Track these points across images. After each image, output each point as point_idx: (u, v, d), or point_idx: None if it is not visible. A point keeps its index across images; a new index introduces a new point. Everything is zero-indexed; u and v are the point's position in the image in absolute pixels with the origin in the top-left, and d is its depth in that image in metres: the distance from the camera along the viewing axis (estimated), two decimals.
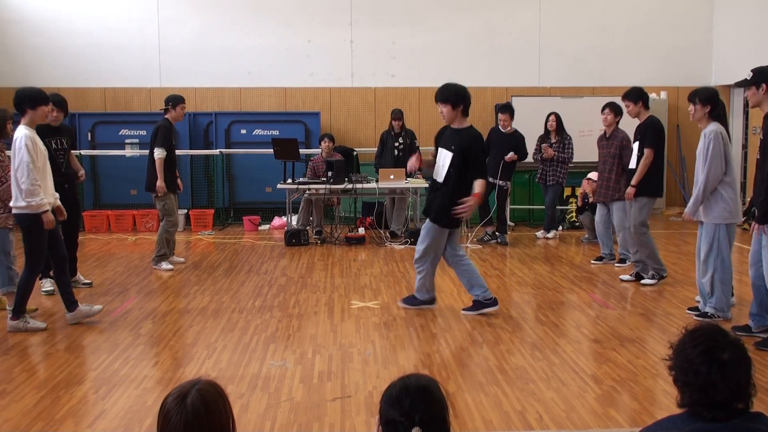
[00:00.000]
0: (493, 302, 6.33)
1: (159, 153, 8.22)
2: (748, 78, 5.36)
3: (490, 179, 9.87)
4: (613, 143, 8.47)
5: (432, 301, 6.55)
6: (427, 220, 6.31)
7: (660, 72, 13.17)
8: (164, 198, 8.34)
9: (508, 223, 11.84)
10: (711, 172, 5.84)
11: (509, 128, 10.03)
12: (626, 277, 7.71)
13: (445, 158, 6.16)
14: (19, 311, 5.90)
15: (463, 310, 6.40)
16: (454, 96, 6.11)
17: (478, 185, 6.07)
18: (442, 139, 6.35)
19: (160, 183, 8.20)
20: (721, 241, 5.89)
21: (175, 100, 8.47)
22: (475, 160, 6.12)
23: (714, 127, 5.91)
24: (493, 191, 10.00)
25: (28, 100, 5.81)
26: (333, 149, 10.76)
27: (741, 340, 2.26)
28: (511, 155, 9.88)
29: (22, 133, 5.74)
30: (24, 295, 5.93)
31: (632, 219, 7.52)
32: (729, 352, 2.14)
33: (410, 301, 6.57)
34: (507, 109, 10.16)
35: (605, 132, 8.61)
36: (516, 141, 10.01)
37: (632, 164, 7.65)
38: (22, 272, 5.95)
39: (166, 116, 8.45)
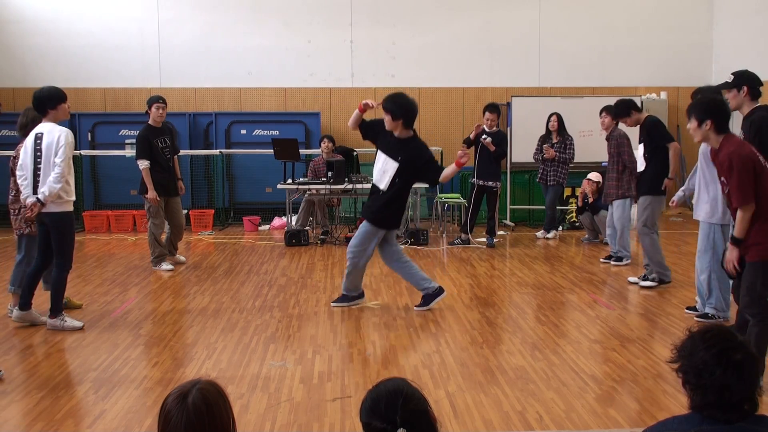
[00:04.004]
0: (440, 290, 6.54)
1: (141, 164, 8.29)
2: (729, 81, 5.30)
3: (480, 182, 9.80)
4: (610, 143, 8.46)
5: (362, 295, 6.73)
6: (365, 221, 6.52)
7: (660, 72, 13.17)
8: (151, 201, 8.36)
9: (508, 223, 11.88)
10: None
11: (494, 128, 9.69)
12: (635, 279, 7.55)
13: (388, 166, 6.34)
14: (56, 310, 5.92)
15: (416, 307, 6.53)
16: (394, 108, 6.27)
17: (449, 170, 6.34)
18: (386, 144, 6.42)
19: (151, 194, 8.24)
20: (716, 242, 5.90)
21: (149, 102, 8.46)
22: (428, 167, 6.38)
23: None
24: (483, 195, 9.87)
25: (48, 100, 5.76)
26: (333, 150, 10.75)
27: (747, 340, 2.28)
28: (484, 138, 9.42)
29: (64, 130, 5.70)
30: (59, 294, 5.94)
31: (637, 218, 7.46)
32: (741, 353, 2.17)
33: (343, 299, 6.70)
34: (495, 108, 9.76)
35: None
36: (498, 139, 9.63)
37: (640, 167, 7.50)
38: (54, 271, 5.94)
39: (148, 121, 8.45)
